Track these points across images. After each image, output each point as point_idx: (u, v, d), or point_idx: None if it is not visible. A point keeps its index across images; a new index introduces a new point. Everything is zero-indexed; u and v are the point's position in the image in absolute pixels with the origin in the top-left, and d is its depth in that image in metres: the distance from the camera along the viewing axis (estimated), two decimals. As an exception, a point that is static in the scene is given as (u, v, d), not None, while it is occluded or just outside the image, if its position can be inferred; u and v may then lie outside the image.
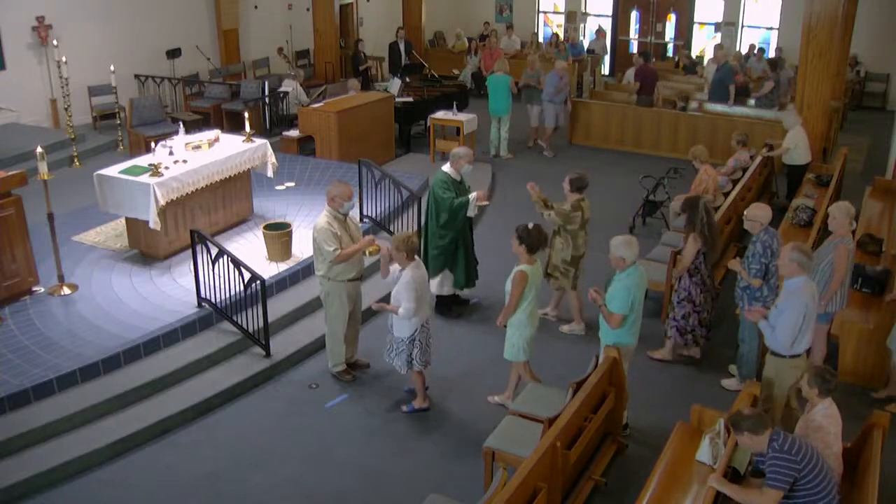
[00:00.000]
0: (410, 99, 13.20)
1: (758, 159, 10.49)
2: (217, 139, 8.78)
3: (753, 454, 4.55)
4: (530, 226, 5.94)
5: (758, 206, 6.66)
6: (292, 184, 10.28)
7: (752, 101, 13.83)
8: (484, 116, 12.99)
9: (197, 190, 8.08)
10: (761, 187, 10.68)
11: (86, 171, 10.15)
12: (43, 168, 6.99)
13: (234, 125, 12.39)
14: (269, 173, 9.12)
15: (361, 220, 8.99)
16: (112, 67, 11.65)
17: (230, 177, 8.53)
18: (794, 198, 9.95)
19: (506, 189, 11.35)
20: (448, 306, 7.92)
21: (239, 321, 6.90)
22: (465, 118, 12.25)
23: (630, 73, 15.22)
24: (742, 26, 18.54)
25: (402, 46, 16.32)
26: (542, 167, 12.38)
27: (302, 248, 8.18)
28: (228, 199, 8.71)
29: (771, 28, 18.21)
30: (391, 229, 9.04)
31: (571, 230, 7.32)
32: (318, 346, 7.12)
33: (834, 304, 6.52)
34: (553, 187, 7.74)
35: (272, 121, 13.21)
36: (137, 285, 7.51)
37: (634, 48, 19.20)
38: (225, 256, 6.71)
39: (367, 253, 6.57)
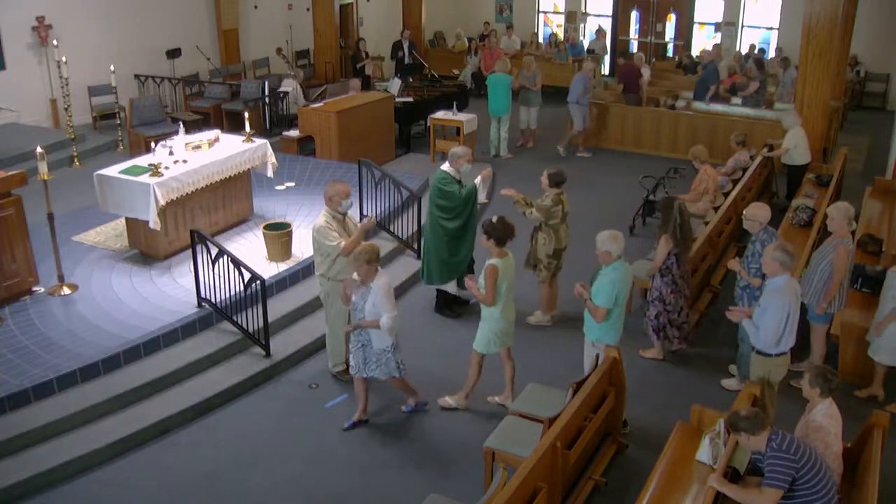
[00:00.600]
0: (410, 99, 13.20)
1: (758, 159, 10.49)
2: (217, 139, 8.78)
3: (752, 453, 4.56)
4: (494, 219, 6.00)
5: (757, 206, 6.67)
6: (292, 184, 10.28)
7: (738, 101, 13.83)
8: (484, 116, 12.99)
9: (197, 190, 8.08)
10: (761, 187, 10.67)
11: (86, 171, 10.14)
12: (43, 168, 6.99)
13: (234, 125, 12.39)
14: (269, 173, 9.12)
15: (361, 219, 8.97)
16: (112, 67, 11.65)
17: (230, 177, 8.53)
18: (794, 198, 9.94)
19: (505, 187, 11.32)
20: (448, 306, 7.92)
21: (239, 321, 6.90)
22: (465, 118, 12.25)
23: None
24: (742, 26, 18.54)
25: (405, 46, 16.31)
26: (542, 167, 12.31)
27: (302, 248, 8.18)
28: (228, 199, 8.71)
29: (771, 28, 18.21)
30: (391, 229, 9.04)
31: (553, 224, 7.36)
32: (318, 346, 7.12)
33: (834, 305, 6.52)
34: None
35: (272, 121, 13.21)
36: (137, 285, 7.51)
37: (635, 48, 19.18)
38: (225, 256, 6.71)
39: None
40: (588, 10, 20.52)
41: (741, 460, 4.79)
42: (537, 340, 7.43)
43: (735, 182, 9.84)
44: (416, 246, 8.91)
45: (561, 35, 19.65)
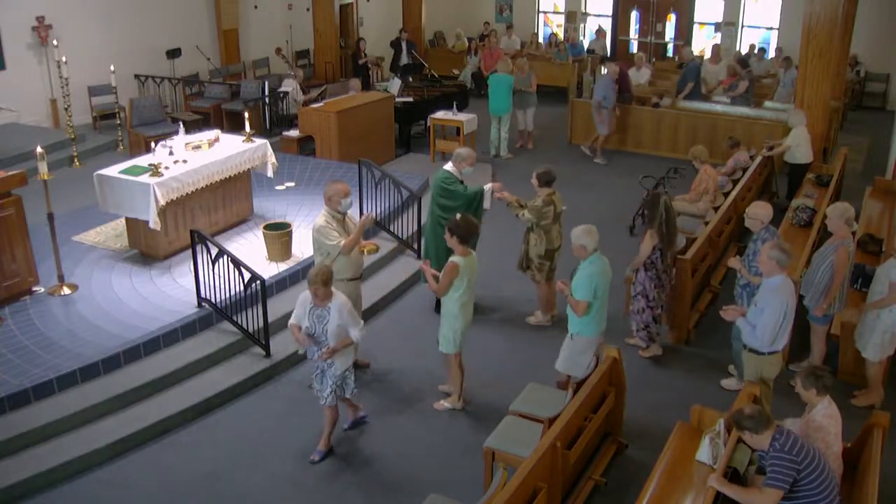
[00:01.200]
0: (410, 99, 13.20)
1: (758, 159, 10.49)
2: (217, 139, 8.78)
3: (756, 452, 4.55)
4: (458, 217, 6.06)
5: (759, 205, 6.68)
6: (292, 184, 10.28)
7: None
8: (484, 116, 12.99)
9: (197, 190, 8.08)
10: (761, 187, 10.68)
11: (86, 171, 10.15)
12: (43, 168, 6.99)
13: (234, 125, 12.40)
14: (269, 173, 9.12)
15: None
16: (112, 67, 11.65)
17: (230, 177, 8.53)
18: (794, 198, 9.94)
19: (506, 189, 11.32)
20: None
21: (239, 321, 6.90)
22: (465, 118, 12.26)
23: (631, 73, 15.19)
24: (742, 26, 18.53)
25: (404, 46, 16.31)
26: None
27: (302, 248, 8.18)
28: (228, 199, 8.71)
29: (771, 28, 18.20)
30: (391, 229, 9.04)
31: (545, 225, 7.36)
32: (318, 346, 7.11)
33: (833, 306, 6.52)
34: (556, 187, 7.74)
35: (272, 121, 13.21)
36: (137, 285, 7.51)
37: (635, 48, 19.19)
38: (225, 256, 6.71)
39: (365, 252, 6.56)
40: (588, 10, 20.51)
41: (741, 460, 4.79)
42: (537, 341, 7.44)
43: (735, 182, 9.84)
44: (416, 246, 8.91)
45: (561, 35, 19.64)
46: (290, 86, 13.35)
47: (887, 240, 8.22)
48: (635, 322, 7.11)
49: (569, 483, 5.29)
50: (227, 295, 6.92)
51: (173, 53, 14.25)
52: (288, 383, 6.79)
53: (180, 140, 8.60)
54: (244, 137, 8.84)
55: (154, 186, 7.50)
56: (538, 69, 15.17)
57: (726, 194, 9.45)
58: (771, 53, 16.78)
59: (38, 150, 7.07)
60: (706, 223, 8.50)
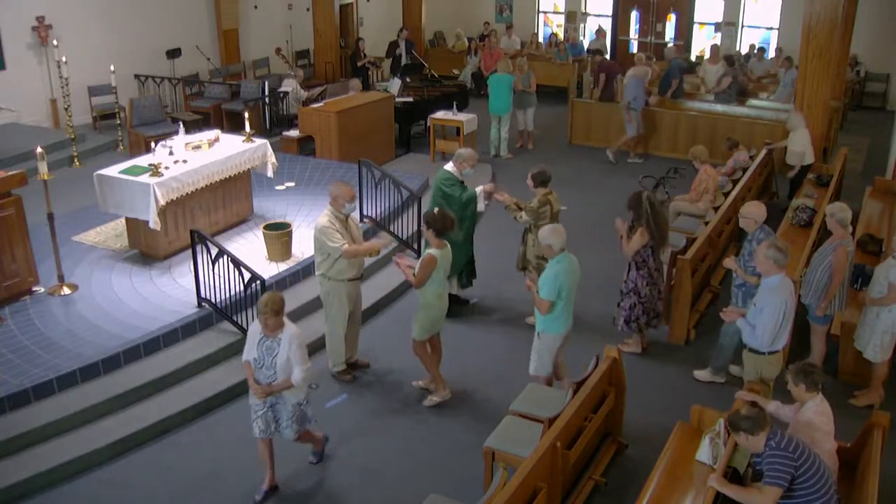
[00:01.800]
0: (410, 99, 13.20)
1: (758, 159, 10.50)
2: (217, 139, 8.78)
3: (751, 455, 4.56)
4: (435, 211, 6.14)
5: (753, 205, 6.70)
6: (292, 184, 10.28)
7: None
8: (484, 116, 12.99)
9: (197, 190, 8.08)
10: (761, 187, 10.68)
11: (86, 171, 10.14)
12: (43, 168, 6.99)
13: (234, 125, 12.39)
14: (269, 173, 9.12)
15: (361, 220, 8.98)
16: (112, 67, 11.65)
17: (230, 177, 8.53)
18: (794, 198, 9.95)
19: (506, 189, 11.31)
20: (447, 306, 7.91)
21: (239, 321, 6.90)
22: (465, 118, 12.26)
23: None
24: (742, 26, 18.53)
25: (403, 46, 16.32)
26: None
27: (302, 248, 8.18)
28: (228, 199, 8.71)
29: (771, 28, 18.20)
30: (391, 229, 9.04)
31: (542, 225, 7.35)
32: (318, 346, 7.11)
33: (833, 306, 6.52)
34: (556, 188, 7.74)
35: (272, 121, 13.21)
36: (137, 285, 7.51)
37: (635, 48, 19.19)
38: (225, 256, 6.71)
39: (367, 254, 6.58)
40: (588, 10, 20.51)
41: (741, 460, 4.79)
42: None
43: (735, 182, 9.84)
44: (416, 246, 8.91)
45: (561, 35, 19.64)
46: (290, 86, 13.34)
47: (887, 240, 8.22)
48: (624, 318, 7.10)
49: (569, 483, 5.29)
50: (227, 295, 6.92)
51: (173, 53, 14.25)
52: (288, 383, 6.78)
53: (180, 140, 8.60)
54: (244, 137, 8.84)
55: (154, 186, 7.50)
56: (538, 69, 15.17)
57: (726, 194, 9.45)
58: (771, 53, 16.79)
59: (38, 150, 7.07)
60: (706, 223, 8.50)
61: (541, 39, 19.81)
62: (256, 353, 5.08)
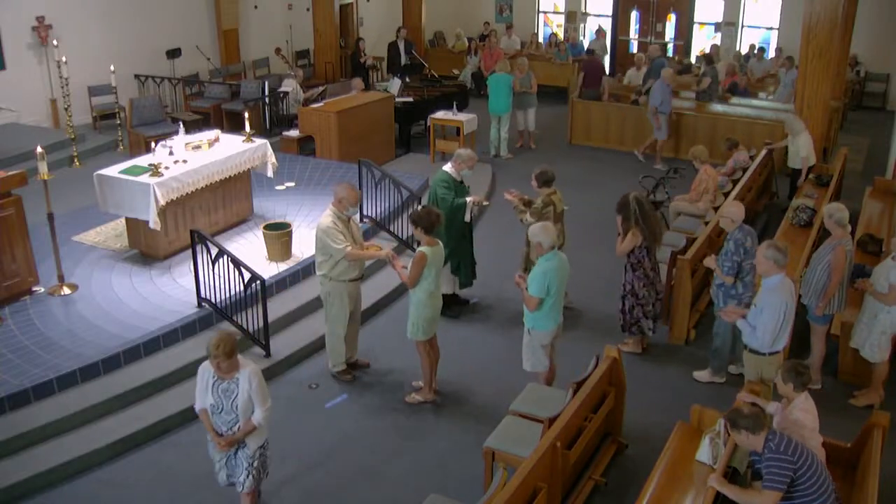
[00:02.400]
0: (410, 99, 13.20)
1: (758, 159, 10.50)
2: (217, 139, 8.78)
3: (750, 454, 4.56)
4: (419, 208, 6.15)
5: (732, 204, 6.74)
6: (292, 184, 10.28)
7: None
8: (484, 116, 12.99)
9: (197, 190, 8.08)
10: (761, 187, 10.68)
11: (86, 171, 10.14)
12: (43, 168, 6.98)
13: (234, 125, 12.39)
14: (269, 173, 9.12)
15: (361, 220, 8.98)
16: (112, 67, 11.65)
17: (230, 177, 8.53)
18: (794, 198, 9.95)
19: (506, 189, 11.33)
20: (447, 306, 7.90)
21: (239, 321, 6.90)
22: (465, 118, 12.25)
23: (631, 73, 15.26)
24: (742, 26, 18.53)
25: (402, 46, 16.32)
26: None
27: (302, 248, 8.18)
28: (228, 199, 8.71)
29: (771, 28, 18.20)
30: (391, 229, 9.04)
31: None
32: (318, 346, 7.12)
33: (833, 306, 6.53)
34: (556, 188, 7.75)
35: (272, 121, 13.21)
36: (137, 285, 7.51)
37: (635, 48, 19.19)
38: (225, 256, 6.71)
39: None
40: (588, 10, 20.50)
41: (741, 460, 4.79)
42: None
43: (735, 182, 9.84)
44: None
45: (561, 35, 19.64)
46: (290, 86, 13.34)
47: (887, 240, 8.22)
48: (625, 317, 7.13)
49: (569, 483, 5.29)
50: (227, 295, 6.92)
51: (173, 53, 14.25)
52: (288, 383, 6.79)
53: (180, 140, 8.60)
54: (244, 137, 8.84)
55: (154, 186, 7.50)
56: (538, 69, 15.18)
57: (726, 194, 9.45)
58: (771, 53, 16.79)
59: (38, 150, 7.06)
60: (706, 223, 8.50)
61: (541, 39, 19.81)
62: (212, 398, 4.64)
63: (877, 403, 6.41)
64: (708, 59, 14.65)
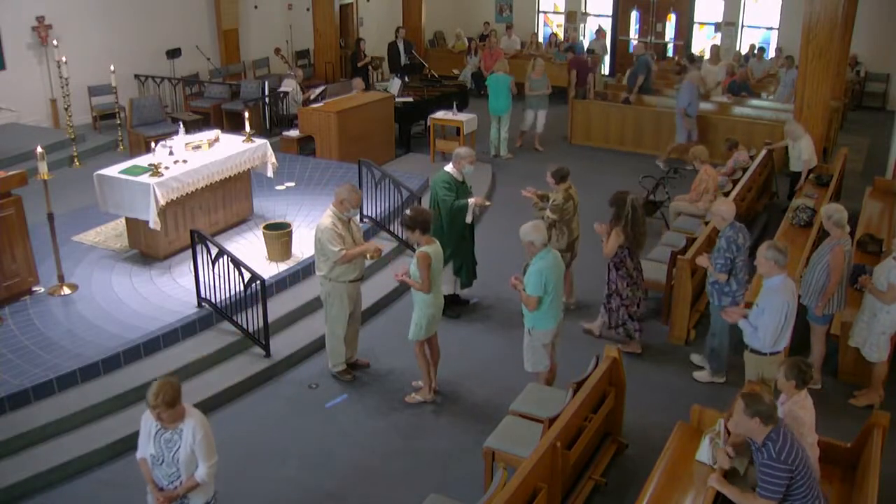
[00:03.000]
0: (410, 99, 13.21)
1: (758, 159, 10.49)
2: (217, 139, 8.78)
3: (747, 439, 4.48)
4: (409, 211, 6.11)
5: (722, 202, 6.77)
6: (292, 184, 10.28)
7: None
8: (484, 116, 12.99)
9: (197, 190, 8.08)
10: (761, 187, 10.67)
11: (86, 171, 10.14)
12: (43, 168, 6.98)
13: (234, 125, 12.39)
14: (269, 173, 9.12)
15: (362, 220, 8.98)
16: (112, 67, 11.64)
17: (230, 177, 8.53)
18: (794, 198, 9.94)
19: (506, 189, 11.33)
20: (448, 306, 7.89)
21: (239, 321, 6.90)
22: (465, 118, 12.26)
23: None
24: (742, 26, 18.53)
25: (401, 46, 16.32)
26: (541, 167, 12.30)
27: (302, 248, 8.18)
28: (228, 199, 8.71)
29: (771, 28, 18.21)
30: (391, 229, 9.04)
31: (566, 219, 7.50)
32: (318, 346, 7.12)
33: (832, 306, 6.53)
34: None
35: (272, 121, 13.21)
36: (137, 285, 7.51)
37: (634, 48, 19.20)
38: (225, 256, 6.71)
39: (367, 256, 6.57)
40: (588, 10, 20.51)
41: (741, 461, 4.79)
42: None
43: (735, 182, 9.84)
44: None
45: (561, 35, 19.64)
46: (290, 86, 13.34)
47: (887, 240, 8.22)
48: (612, 320, 7.16)
49: (569, 483, 5.29)
50: (227, 295, 6.92)
51: (173, 53, 14.25)
52: (288, 383, 6.79)
53: (180, 140, 8.60)
54: (244, 137, 8.84)
55: (154, 186, 7.50)
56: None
57: (726, 194, 9.44)
58: (771, 53, 16.79)
59: (38, 150, 7.06)
60: (706, 223, 8.50)
61: (541, 39, 19.81)
62: (153, 448, 4.20)
63: (877, 403, 6.41)
64: (690, 58, 14.91)
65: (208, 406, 6.33)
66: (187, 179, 7.91)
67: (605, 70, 19.32)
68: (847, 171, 11.42)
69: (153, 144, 8.35)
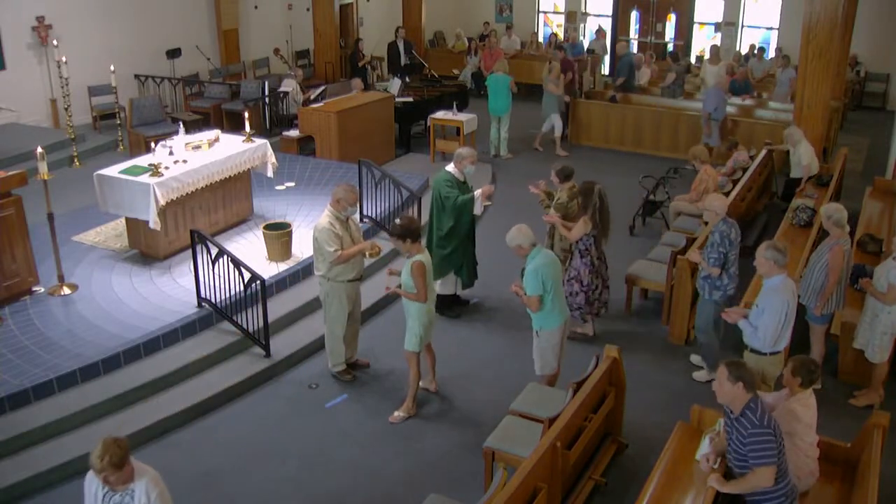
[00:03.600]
0: (410, 99, 13.20)
1: (758, 159, 10.49)
2: (217, 139, 8.78)
3: (724, 407, 4.51)
4: (398, 221, 6.07)
5: (714, 197, 6.78)
6: (292, 184, 10.28)
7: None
8: (484, 116, 12.99)
9: (197, 190, 8.08)
10: (761, 187, 10.67)
11: (86, 171, 10.15)
12: (43, 168, 6.98)
13: (234, 125, 12.39)
14: (269, 173, 9.12)
15: (361, 220, 8.99)
16: (112, 67, 11.64)
17: (230, 177, 8.53)
18: (793, 198, 9.94)
19: (506, 189, 11.34)
20: (448, 306, 7.91)
21: (239, 321, 6.90)
22: (465, 118, 12.26)
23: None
24: (742, 26, 18.54)
25: (401, 46, 16.33)
26: (541, 167, 12.34)
27: (302, 248, 8.18)
28: (228, 199, 8.71)
29: (771, 28, 18.22)
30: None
31: (570, 218, 7.47)
32: (318, 346, 7.12)
33: (831, 306, 6.53)
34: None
35: (272, 121, 13.21)
36: (137, 285, 7.51)
37: (635, 48, 19.20)
38: (225, 256, 6.71)
39: (366, 255, 6.57)
40: (588, 10, 20.52)
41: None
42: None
43: (735, 182, 9.84)
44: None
45: (561, 35, 19.64)
46: (289, 86, 13.34)
47: (887, 240, 8.22)
48: (570, 302, 7.16)
49: (569, 483, 5.29)
50: (227, 295, 6.92)
51: (173, 53, 14.25)
52: (288, 383, 6.79)
53: (180, 140, 8.60)
54: (244, 137, 8.84)
55: (154, 186, 7.50)
56: (538, 69, 15.21)
57: (726, 194, 9.44)
58: (771, 53, 16.79)
59: (38, 150, 7.06)
60: (706, 223, 8.50)
61: (541, 39, 19.81)
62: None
63: (877, 403, 6.41)
64: (674, 57, 15.18)
65: (208, 406, 6.35)
66: (187, 179, 7.91)
67: (605, 70, 19.33)
68: (847, 171, 11.43)
69: (153, 144, 8.35)
